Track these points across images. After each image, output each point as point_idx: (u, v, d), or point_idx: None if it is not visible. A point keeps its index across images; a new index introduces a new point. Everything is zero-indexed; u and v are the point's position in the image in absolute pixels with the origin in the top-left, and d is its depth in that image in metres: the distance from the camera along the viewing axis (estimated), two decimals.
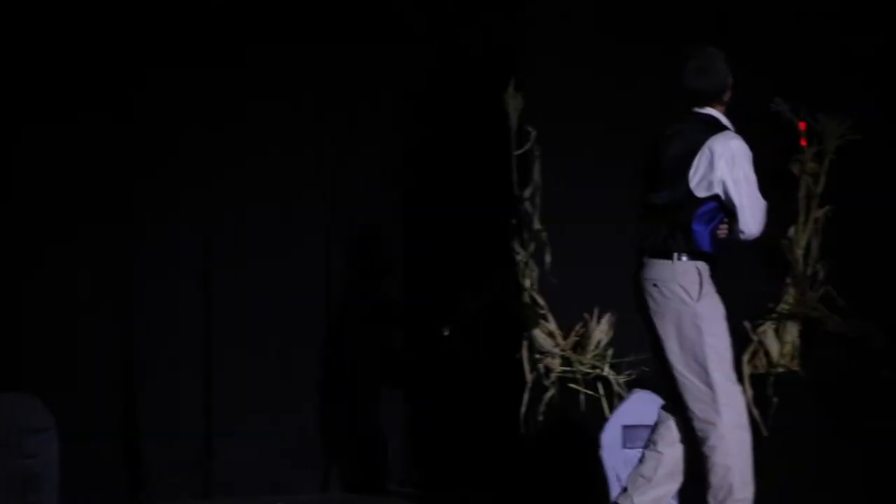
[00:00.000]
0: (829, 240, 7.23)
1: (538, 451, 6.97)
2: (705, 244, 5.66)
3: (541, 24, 7.44)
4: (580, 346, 7.09)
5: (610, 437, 6.47)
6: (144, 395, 7.28)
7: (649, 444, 5.72)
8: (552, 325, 7.10)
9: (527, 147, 7.17)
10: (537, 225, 7.17)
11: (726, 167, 5.60)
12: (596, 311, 7.10)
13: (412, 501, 7.47)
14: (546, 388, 7.02)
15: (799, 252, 7.20)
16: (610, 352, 7.05)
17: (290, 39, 7.59)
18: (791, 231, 7.24)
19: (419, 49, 7.74)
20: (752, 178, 5.62)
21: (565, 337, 7.13)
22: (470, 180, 7.58)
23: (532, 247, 7.16)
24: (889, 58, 7.34)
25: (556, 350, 7.06)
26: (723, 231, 5.66)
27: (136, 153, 7.36)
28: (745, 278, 7.25)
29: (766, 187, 7.22)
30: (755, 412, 6.76)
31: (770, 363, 7.08)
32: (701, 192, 5.64)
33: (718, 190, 5.60)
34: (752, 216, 5.60)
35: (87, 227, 7.26)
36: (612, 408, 6.82)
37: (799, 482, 6.76)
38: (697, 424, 5.57)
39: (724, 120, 5.76)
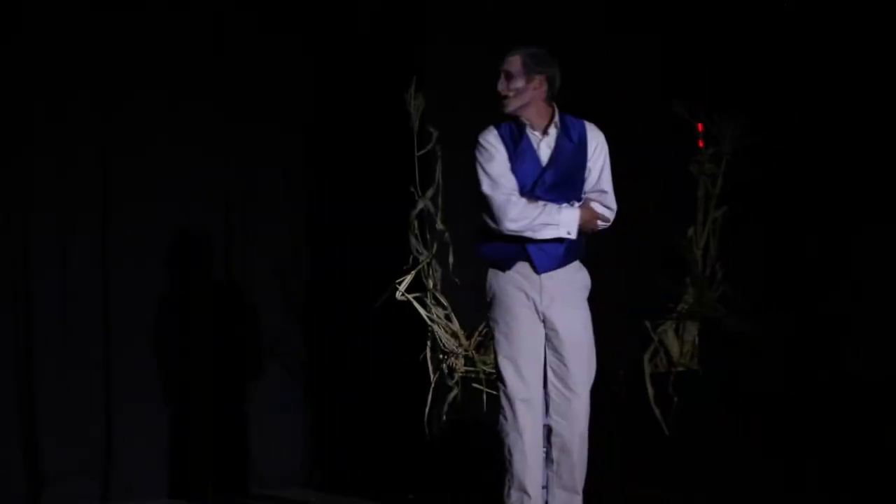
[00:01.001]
0: (727, 240, 7.33)
1: (442, 450, 6.98)
2: (481, 249, 5.88)
3: (442, 22, 7.45)
4: (483, 347, 7.11)
5: None
6: (43, 395, 7.14)
7: None
8: (455, 326, 7.12)
9: (428, 147, 7.17)
10: (440, 225, 7.18)
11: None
12: None
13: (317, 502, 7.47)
14: (450, 388, 7.04)
15: (698, 252, 7.29)
16: None
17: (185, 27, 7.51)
18: (690, 231, 7.33)
19: (319, 44, 7.69)
20: (482, 172, 5.72)
21: (469, 337, 7.15)
22: (373, 180, 7.56)
23: (435, 247, 7.17)
24: (785, 58, 7.46)
25: (460, 350, 7.08)
26: None
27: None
28: (646, 278, 7.35)
29: (664, 188, 7.41)
30: (656, 411, 6.85)
31: (670, 362, 7.17)
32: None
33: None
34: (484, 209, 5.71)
35: None
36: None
37: (700, 479, 6.86)
38: None
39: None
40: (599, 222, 5.80)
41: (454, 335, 7.10)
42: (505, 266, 5.74)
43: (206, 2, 7.51)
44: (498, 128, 5.77)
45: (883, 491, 6.55)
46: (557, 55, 7.34)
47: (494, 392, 6.94)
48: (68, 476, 7.15)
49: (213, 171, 7.57)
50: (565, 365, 5.79)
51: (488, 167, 5.70)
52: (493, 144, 5.72)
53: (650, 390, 7.05)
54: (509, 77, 5.71)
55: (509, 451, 5.74)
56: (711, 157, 7.40)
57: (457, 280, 7.15)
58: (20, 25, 7.13)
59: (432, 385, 7.04)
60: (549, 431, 5.83)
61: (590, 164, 5.77)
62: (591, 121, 7.34)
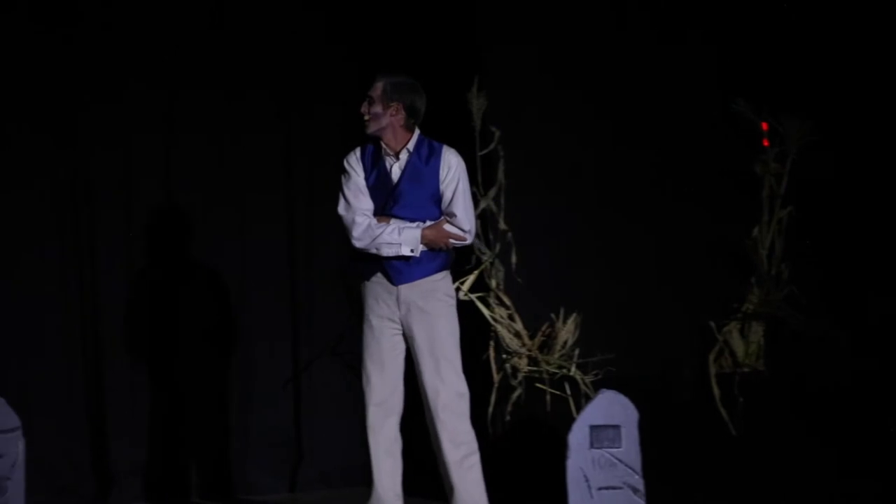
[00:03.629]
0: (792, 240, 7.28)
1: (506, 451, 6.97)
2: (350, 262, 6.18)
3: (503, 22, 7.45)
4: (547, 346, 7.10)
5: (577, 437, 6.46)
6: (111, 395, 7.22)
7: None
8: (518, 326, 7.11)
9: (491, 147, 7.17)
10: (502, 225, 7.18)
11: None
12: (562, 311, 7.12)
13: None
14: (513, 388, 7.03)
15: (763, 252, 7.24)
16: (577, 352, 7.06)
17: (250, 33, 7.55)
18: (755, 231, 7.28)
19: (381, 44, 7.72)
20: (341, 183, 6.07)
21: (532, 337, 7.14)
22: None
23: (497, 247, 7.17)
24: (850, 58, 7.40)
25: (523, 350, 7.07)
26: None
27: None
28: (711, 279, 7.31)
29: (728, 188, 7.37)
30: (723, 412, 6.81)
31: (736, 363, 7.12)
32: None
33: None
34: (346, 228, 6.02)
35: (49, 223, 7.19)
36: (579, 408, 6.83)
37: (766, 480, 6.81)
38: None
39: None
40: (451, 241, 6.06)
41: (517, 335, 7.09)
42: (364, 278, 6.08)
43: (270, 4, 7.57)
44: (362, 148, 6.11)
45: None
46: (627, 55, 7.42)
47: (559, 392, 7.01)
48: (135, 475, 7.22)
49: (276, 172, 7.64)
50: (421, 369, 6.06)
51: (344, 188, 6.07)
52: (351, 166, 6.08)
53: (716, 391, 7.01)
54: (371, 102, 6.07)
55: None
56: (776, 156, 7.34)
57: (520, 280, 7.15)
58: (79, 18, 7.22)
59: (495, 385, 7.04)
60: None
61: (442, 186, 6.03)
62: (655, 121, 7.44)
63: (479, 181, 7.12)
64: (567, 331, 7.09)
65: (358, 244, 5.97)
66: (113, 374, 7.24)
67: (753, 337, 7.17)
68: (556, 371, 7.03)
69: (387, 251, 5.95)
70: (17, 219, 7.10)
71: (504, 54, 7.42)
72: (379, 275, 6.01)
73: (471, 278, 7.11)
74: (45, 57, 7.18)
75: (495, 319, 7.08)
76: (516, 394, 7.02)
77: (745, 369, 7.10)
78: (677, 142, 7.43)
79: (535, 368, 7.06)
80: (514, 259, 7.16)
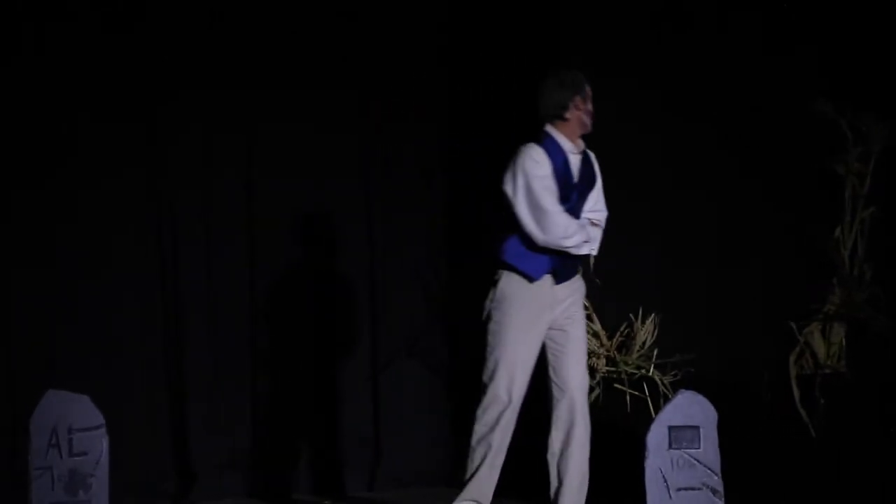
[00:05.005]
0: (875, 240, 7.20)
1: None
2: (504, 253, 6.01)
3: (579, 20, 7.44)
4: (625, 347, 7.09)
5: (656, 438, 6.44)
6: (194, 394, 7.31)
7: None
8: (597, 326, 7.11)
9: None
10: None
11: (509, 175, 5.97)
12: (640, 312, 7.10)
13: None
14: (592, 389, 7.01)
15: (845, 253, 7.17)
16: (655, 352, 7.04)
17: (336, 38, 7.62)
18: (837, 232, 7.21)
19: (457, 46, 7.76)
20: (533, 185, 5.89)
21: (610, 337, 7.13)
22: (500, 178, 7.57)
23: None
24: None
25: (602, 350, 7.06)
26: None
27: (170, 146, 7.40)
28: (791, 279, 7.25)
29: (811, 188, 7.31)
30: (803, 413, 6.76)
31: (817, 364, 7.06)
32: (500, 201, 6.00)
33: (504, 197, 5.97)
34: (531, 222, 5.89)
35: (134, 225, 7.30)
36: (657, 408, 6.80)
37: (845, 484, 6.74)
38: None
39: (555, 135, 5.98)
40: None
41: (595, 335, 7.09)
42: (532, 277, 5.97)
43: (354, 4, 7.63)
44: (541, 145, 5.99)
45: None
46: (699, 53, 7.38)
47: (637, 393, 6.98)
48: (217, 472, 7.31)
49: (353, 172, 7.69)
50: (569, 362, 6.04)
51: (533, 184, 5.93)
52: (538, 163, 5.96)
53: (796, 392, 6.95)
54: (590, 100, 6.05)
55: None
56: (859, 156, 7.26)
57: (597, 280, 7.12)
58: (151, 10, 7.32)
59: None
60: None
61: (596, 183, 6.07)
62: (735, 120, 7.40)
63: None
64: (646, 331, 7.08)
65: (547, 241, 5.89)
66: (194, 372, 7.33)
67: (835, 338, 7.11)
68: (635, 371, 7.02)
69: (582, 249, 5.96)
70: (99, 219, 7.20)
71: (580, 52, 7.40)
72: (546, 275, 5.97)
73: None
74: (128, 55, 7.27)
75: None
76: (595, 394, 7.00)
77: (827, 371, 7.02)
78: (758, 142, 7.37)
79: (613, 369, 7.05)
80: (591, 259, 7.13)
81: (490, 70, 7.74)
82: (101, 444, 6.09)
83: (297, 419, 7.47)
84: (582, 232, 5.97)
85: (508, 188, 5.96)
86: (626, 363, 7.03)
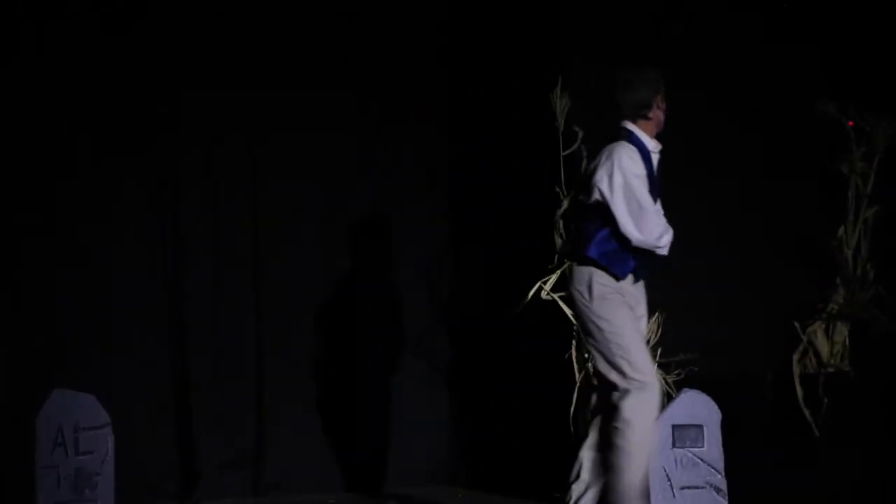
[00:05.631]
0: (878, 240, 7.20)
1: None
2: (592, 250, 5.92)
3: (587, 22, 7.45)
4: None
5: (660, 436, 6.45)
6: (198, 394, 7.33)
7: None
8: None
9: (574, 147, 7.17)
10: None
11: (605, 173, 5.86)
12: None
13: (460, 500, 7.50)
14: (595, 388, 7.01)
15: (848, 252, 7.17)
16: (658, 351, 7.04)
17: (337, 38, 7.63)
18: (840, 231, 7.21)
19: (464, 44, 7.77)
20: (634, 184, 5.82)
21: None
22: (517, 180, 7.60)
23: None
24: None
25: None
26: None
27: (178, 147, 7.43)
28: (795, 279, 7.26)
29: (814, 187, 7.31)
30: (806, 412, 6.76)
31: (820, 363, 7.06)
32: (587, 198, 5.91)
33: (597, 195, 5.86)
34: (629, 221, 5.83)
35: (139, 226, 7.32)
36: (662, 407, 6.81)
37: (849, 482, 6.75)
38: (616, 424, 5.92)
39: (639, 134, 5.94)
40: None
41: None
42: (618, 276, 5.95)
43: (354, 4, 7.64)
44: (633, 144, 5.94)
45: None
46: (709, 54, 7.39)
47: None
48: (221, 472, 7.33)
49: (359, 172, 7.70)
50: None
51: (634, 185, 5.86)
52: (636, 162, 5.90)
53: (799, 391, 6.95)
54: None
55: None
56: (863, 155, 7.26)
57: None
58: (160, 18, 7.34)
59: (577, 385, 7.03)
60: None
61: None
62: (739, 121, 7.40)
63: (562, 181, 7.14)
64: (649, 330, 7.06)
65: (642, 241, 5.87)
66: (198, 371, 7.35)
67: (838, 337, 7.10)
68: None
69: (662, 251, 5.95)
70: (102, 218, 7.22)
71: (587, 53, 7.41)
72: (630, 275, 5.98)
73: (553, 278, 7.10)
74: (128, 55, 7.30)
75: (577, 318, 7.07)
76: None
77: (830, 370, 7.02)
78: (762, 142, 7.38)
79: None
80: None
81: (490, 70, 7.76)
82: (106, 442, 6.11)
83: (301, 418, 7.49)
84: (669, 233, 5.96)
85: (604, 186, 5.86)
86: None
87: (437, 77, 7.86)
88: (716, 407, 6.45)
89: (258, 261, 7.53)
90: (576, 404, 7.01)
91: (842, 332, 7.11)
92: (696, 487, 6.39)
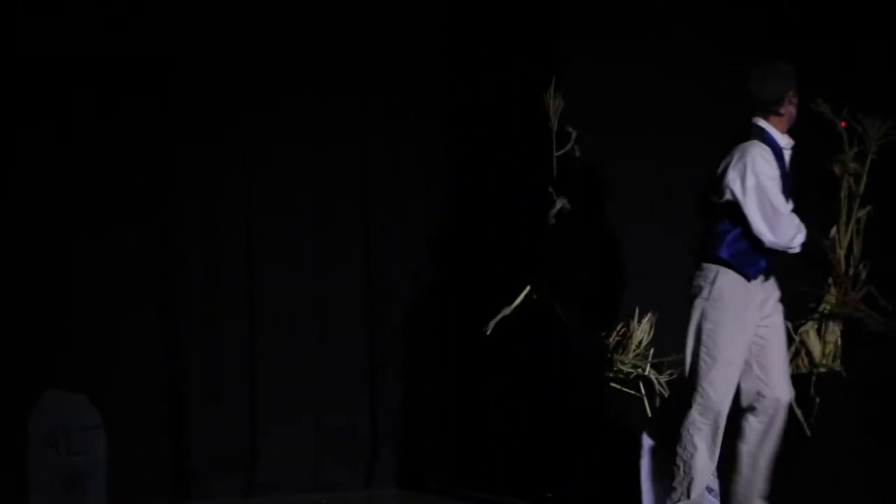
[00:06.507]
0: (871, 240, 7.20)
1: (580, 450, 6.98)
2: (723, 251, 5.87)
3: (581, 22, 7.45)
4: (622, 346, 7.09)
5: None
6: (191, 394, 7.34)
7: None
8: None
9: (567, 148, 7.18)
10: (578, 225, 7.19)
11: (737, 174, 5.82)
12: (637, 312, 7.11)
13: (455, 500, 7.51)
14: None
15: (841, 252, 7.16)
16: (651, 351, 7.05)
17: (337, 39, 7.64)
18: (833, 231, 7.21)
19: (459, 44, 7.77)
20: (767, 186, 5.77)
21: (607, 337, 7.14)
22: (511, 180, 7.60)
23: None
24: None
25: None
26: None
27: (174, 147, 7.40)
28: (787, 278, 7.25)
29: (806, 188, 7.31)
30: (798, 412, 6.76)
31: (812, 363, 7.06)
32: (718, 197, 5.86)
33: (728, 195, 5.81)
34: (762, 223, 5.80)
35: (134, 226, 7.33)
36: (653, 407, 6.82)
37: (841, 482, 6.75)
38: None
39: (771, 131, 5.87)
40: None
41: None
42: (750, 276, 5.91)
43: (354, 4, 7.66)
44: (767, 144, 5.91)
45: None
46: (702, 55, 7.39)
47: (633, 392, 7.00)
48: (214, 472, 7.34)
49: (354, 172, 7.71)
50: (773, 362, 6.05)
51: (769, 187, 5.84)
52: (770, 163, 5.87)
53: (791, 391, 6.95)
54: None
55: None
56: (856, 156, 7.26)
57: (595, 280, 7.14)
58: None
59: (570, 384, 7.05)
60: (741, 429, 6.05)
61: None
62: (731, 121, 7.38)
63: (555, 181, 7.15)
64: (642, 331, 7.08)
65: (776, 243, 5.86)
66: (192, 372, 7.36)
67: (830, 337, 7.09)
68: (631, 371, 7.02)
69: (795, 250, 5.94)
70: (97, 218, 7.23)
71: (581, 53, 7.42)
72: (761, 275, 5.96)
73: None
74: (128, 56, 7.32)
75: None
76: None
77: (822, 370, 7.02)
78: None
79: (610, 368, 7.06)
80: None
81: (490, 70, 7.77)
82: (99, 443, 6.13)
83: (295, 418, 7.50)
84: (803, 232, 5.93)
85: (737, 188, 5.83)
86: (622, 362, 7.03)
87: (436, 77, 7.88)
88: None
89: (253, 260, 7.54)
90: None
91: (834, 332, 7.10)
92: None
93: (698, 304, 5.93)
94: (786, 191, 5.93)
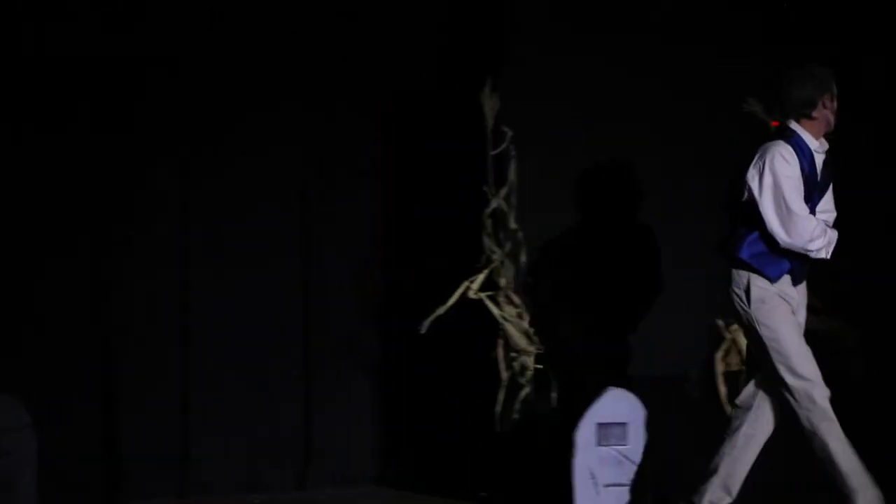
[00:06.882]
0: None
1: (513, 448, 7.00)
2: (743, 252, 5.91)
3: (519, 24, 7.47)
4: None
5: (584, 434, 6.50)
6: (122, 394, 7.30)
7: None
8: (527, 324, 7.14)
9: (503, 147, 7.20)
10: (513, 224, 7.20)
11: (756, 172, 5.84)
12: (571, 311, 7.14)
13: (387, 499, 7.52)
14: (521, 387, 7.05)
15: None
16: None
17: (271, 40, 7.62)
18: None
19: (395, 44, 7.78)
20: (783, 185, 5.77)
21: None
22: (447, 180, 7.61)
23: (508, 246, 7.19)
24: (855, 61, 7.38)
25: (532, 348, 7.09)
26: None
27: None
28: (720, 277, 7.31)
29: (741, 187, 7.35)
30: (728, 410, 6.82)
31: (743, 361, 7.11)
32: (740, 197, 5.91)
33: (747, 194, 5.85)
34: (777, 223, 5.78)
35: (65, 233, 7.28)
36: (586, 406, 6.85)
37: (769, 477, 6.80)
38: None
39: (802, 134, 5.89)
40: None
41: (526, 333, 7.11)
42: (771, 279, 5.89)
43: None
44: (791, 143, 5.89)
45: None
46: (640, 56, 7.42)
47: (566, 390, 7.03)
48: (145, 472, 7.31)
49: (289, 173, 7.68)
50: None
51: (784, 184, 5.81)
52: (789, 162, 5.84)
53: (722, 389, 7.01)
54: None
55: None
56: None
57: (530, 279, 7.17)
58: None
59: (504, 383, 7.06)
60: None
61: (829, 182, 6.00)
62: (664, 121, 7.44)
63: (491, 181, 7.17)
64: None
65: (791, 244, 5.82)
66: (124, 371, 7.31)
67: None
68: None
69: (817, 254, 5.87)
70: (25, 218, 7.19)
71: (518, 53, 7.44)
72: (787, 276, 5.91)
73: (480, 277, 7.14)
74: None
75: (504, 318, 7.11)
76: (524, 392, 7.04)
77: None
78: (685, 142, 7.42)
79: (543, 367, 7.08)
80: (523, 258, 7.18)
81: (430, 70, 7.77)
82: (27, 443, 6.06)
83: (228, 418, 7.46)
84: (824, 236, 5.88)
85: (754, 186, 5.84)
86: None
87: (371, 75, 7.84)
88: (640, 404, 6.51)
89: (187, 263, 7.48)
90: (502, 402, 7.04)
91: None
92: (620, 485, 6.45)
93: (745, 316, 5.95)
94: (815, 193, 5.91)
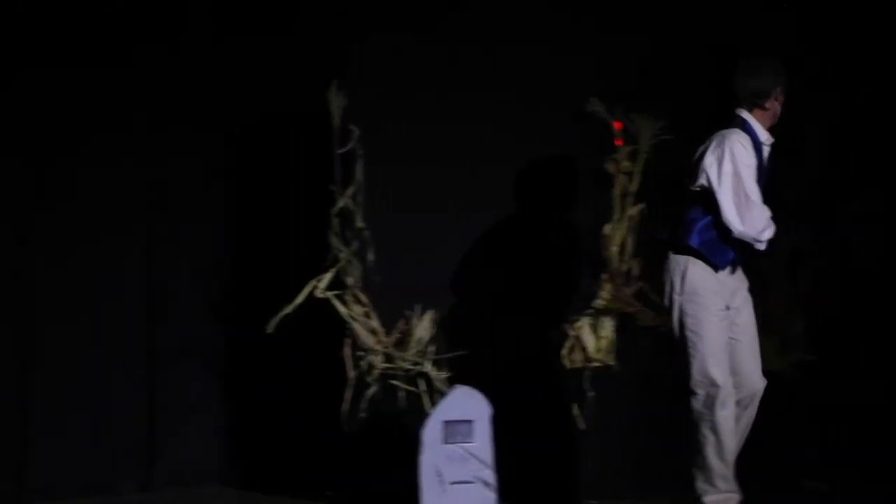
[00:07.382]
0: (642, 237, 7.38)
1: (360, 447, 7.02)
2: (693, 239, 5.92)
3: (366, 22, 7.47)
4: (402, 343, 7.13)
5: (431, 432, 6.54)
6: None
7: None
8: (375, 323, 7.14)
9: (350, 146, 7.20)
10: (360, 223, 7.21)
11: (714, 159, 5.85)
12: (418, 309, 7.17)
13: (232, 499, 7.48)
14: (368, 385, 7.07)
15: (614, 249, 7.33)
16: (432, 348, 7.12)
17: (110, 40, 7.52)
18: (606, 228, 7.37)
19: (239, 41, 7.72)
20: (743, 174, 5.80)
21: (388, 334, 7.17)
22: (293, 179, 7.59)
23: (355, 245, 7.20)
24: (698, 60, 7.52)
25: (379, 347, 7.10)
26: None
27: None
28: (565, 275, 7.41)
29: (581, 186, 7.47)
30: (573, 406, 6.93)
31: (586, 358, 7.22)
32: (693, 184, 5.91)
33: (703, 180, 5.85)
34: (733, 211, 5.81)
35: None
36: (433, 404, 6.89)
37: (615, 473, 6.94)
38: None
39: (753, 124, 5.94)
40: None
41: (373, 332, 7.11)
42: (718, 267, 5.92)
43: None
44: (746, 134, 5.91)
45: None
46: (485, 55, 7.47)
47: (413, 389, 7.06)
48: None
49: (133, 175, 7.59)
50: (746, 352, 6.04)
51: (745, 175, 5.83)
52: (749, 153, 5.86)
53: (566, 385, 7.12)
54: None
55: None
56: (629, 154, 7.44)
57: (376, 278, 7.18)
58: None
59: (350, 382, 7.06)
60: None
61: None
62: (510, 120, 7.49)
63: (338, 180, 7.16)
64: (423, 327, 7.13)
65: (743, 233, 5.81)
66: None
67: (604, 332, 7.26)
68: (411, 367, 7.07)
69: (761, 245, 5.87)
70: None
71: (366, 51, 7.43)
72: (729, 266, 5.91)
73: (328, 276, 7.13)
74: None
75: (351, 317, 7.11)
76: (371, 391, 7.05)
77: (596, 364, 7.20)
78: (531, 142, 7.48)
79: (390, 365, 7.08)
80: (370, 257, 7.19)
81: (274, 68, 7.73)
82: None
83: (70, 419, 7.35)
84: (771, 228, 5.90)
85: (713, 173, 5.81)
86: (402, 359, 7.08)
87: (217, 81, 7.77)
88: (486, 402, 6.57)
89: (30, 270, 7.35)
90: (349, 401, 7.05)
91: (607, 326, 7.28)
92: (466, 482, 6.50)
93: (675, 300, 5.97)
94: (760, 185, 5.94)
